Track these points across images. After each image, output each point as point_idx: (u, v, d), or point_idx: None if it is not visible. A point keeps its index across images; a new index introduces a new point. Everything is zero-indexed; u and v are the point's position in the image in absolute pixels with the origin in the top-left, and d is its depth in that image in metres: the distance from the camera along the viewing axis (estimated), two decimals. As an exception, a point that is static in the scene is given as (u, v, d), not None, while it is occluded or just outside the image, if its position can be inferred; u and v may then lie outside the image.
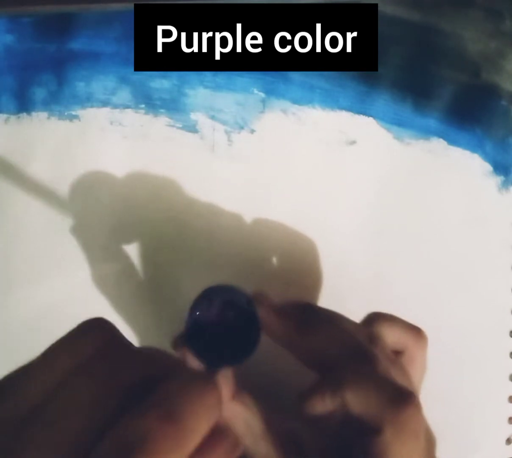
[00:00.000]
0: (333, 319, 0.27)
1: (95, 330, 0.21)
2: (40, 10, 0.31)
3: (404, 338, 0.27)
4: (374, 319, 0.27)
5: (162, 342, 0.32)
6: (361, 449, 0.24)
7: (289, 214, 0.33)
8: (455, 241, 0.33)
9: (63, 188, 0.32)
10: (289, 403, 0.29)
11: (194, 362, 0.26)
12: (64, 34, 0.32)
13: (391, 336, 0.26)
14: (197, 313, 0.27)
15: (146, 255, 0.32)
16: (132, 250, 0.32)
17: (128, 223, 0.32)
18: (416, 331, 0.27)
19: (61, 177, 0.32)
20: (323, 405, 0.24)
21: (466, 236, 0.33)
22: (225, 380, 0.26)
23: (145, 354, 0.20)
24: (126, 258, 0.32)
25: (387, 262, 0.33)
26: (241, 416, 0.26)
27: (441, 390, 0.31)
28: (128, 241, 0.32)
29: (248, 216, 0.33)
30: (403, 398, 0.23)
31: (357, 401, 0.24)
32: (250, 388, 0.27)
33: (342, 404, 0.24)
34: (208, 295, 0.27)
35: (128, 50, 0.32)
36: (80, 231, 0.32)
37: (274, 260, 0.32)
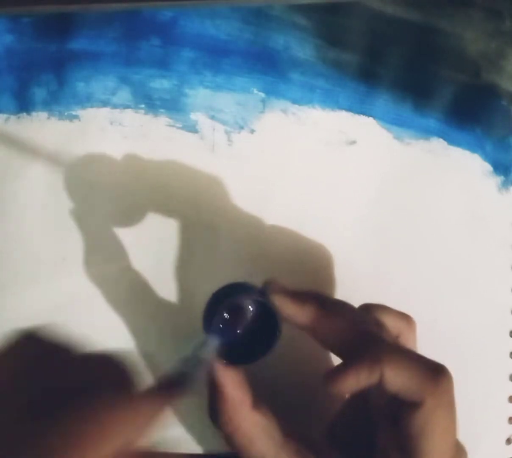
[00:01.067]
0: (345, 304, 0.27)
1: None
2: (40, 10, 0.31)
3: (398, 323, 0.28)
4: (369, 308, 0.28)
5: (163, 340, 0.32)
6: (398, 427, 0.24)
7: (289, 214, 0.33)
8: (455, 241, 0.33)
9: (63, 188, 0.32)
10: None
11: (221, 365, 0.25)
12: (64, 34, 0.32)
13: (388, 322, 0.27)
14: (213, 316, 0.26)
15: (146, 255, 0.32)
16: (133, 250, 0.32)
17: (128, 223, 0.32)
18: (407, 317, 0.28)
19: (61, 177, 0.32)
20: (357, 382, 0.24)
21: (466, 236, 0.33)
22: (243, 389, 0.26)
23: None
24: (126, 257, 0.32)
25: (387, 262, 0.33)
26: (261, 425, 0.26)
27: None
28: (129, 241, 0.32)
29: (248, 216, 0.33)
30: (438, 369, 0.24)
31: (396, 374, 0.23)
32: (267, 399, 0.27)
33: (378, 380, 0.23)
34: (220, 296, 0.26)
35: (128, 50, 0.32)
36: (80, 231, 0.32)
37: (274, 259, 0.32)
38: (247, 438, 0.26)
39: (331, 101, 0.33)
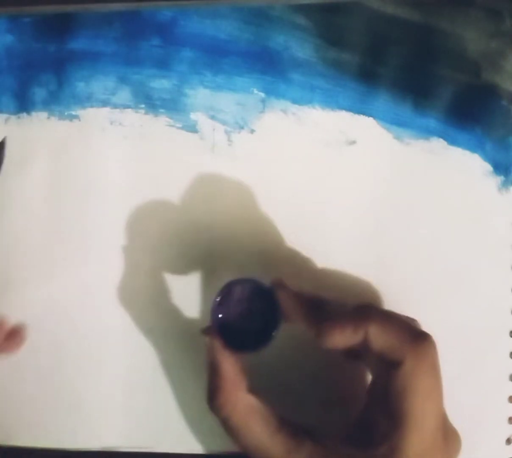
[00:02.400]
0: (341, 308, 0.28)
1: None
2: (40, 10, 0.31)
3: (400, 345, 0.25)
4: (366, 315, 0.26)
5: (167, 341, 0.32)
6: (382, 386, 0.25)
7: (289, 214, 0.33)
8: (455, 241, 0.33)
9: (63, 188, 0.32)
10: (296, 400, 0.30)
11: (222, 347, 0.27)
12: (64, 34, 0.32)
13: (381, 342, 0.26)
14: (220, 302, 0.28)
15: (147, 254, 0.32)
16: (133, 249, 0.32)
17: (127, 223, 0.32)
18: (416, 337, 0.26)
19: (61, 177, 0.32)
20: (343, 338, 0.26)
21: (466, 236, 0.33)
22: (241, 372, 0.27)
23: None
24: (126, 257, 0.32)
25: (386, 262, 0.33)
26: (257, 408, 0.27)
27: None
28: (129, 241, 0.32)
29: (248, 216, 0.33)
30: (421, 334, 0.26)
31: (379, 333, 0.25)
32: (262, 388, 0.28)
33: (364, 337, 0.25)
34: (231, 285, 0.29)
35: (128, 50, 0.32)
36: (80, 230, 0.32)
37: (274, 258, 0.32)
38: (243, 420, 0.27)
39: (331, 101, 0.33)
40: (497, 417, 0.33)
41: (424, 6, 0.32)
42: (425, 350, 0.25)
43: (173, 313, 0.32)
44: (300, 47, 0.32)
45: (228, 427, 0.27)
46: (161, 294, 0.32)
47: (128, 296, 0.32)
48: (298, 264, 0.32)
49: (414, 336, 0.25)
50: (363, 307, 0.27)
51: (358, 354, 0.28)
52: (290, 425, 0.27)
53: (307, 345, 0.30)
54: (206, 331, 0.28)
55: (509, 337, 0.33)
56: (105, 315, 0.32)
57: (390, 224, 0.33)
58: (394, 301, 0.33)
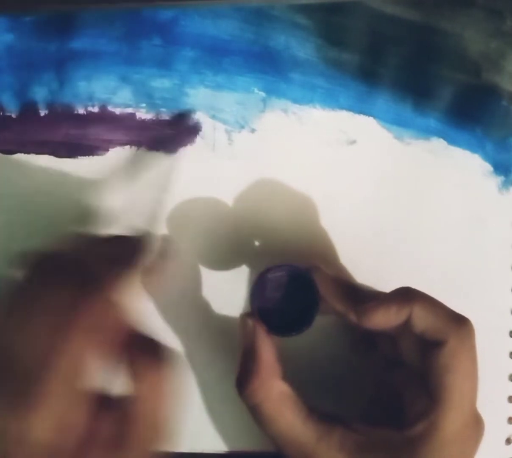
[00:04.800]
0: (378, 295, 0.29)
1: None
2: (41, 9, 0.31)
3: (445, 325, 0.26)
4: (410, 297, 0.27)
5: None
6: (424, 366, 0.26)
7: (289, 213, 0.33)
8: (455, 241, 0.33)
9: (62, 187, 0.32)
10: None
11: (264, 332, 0.28)
12: (65, 33, 0.32)
13: (430, 321, 0.26)
14: (258, 288, 0.29)
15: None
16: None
17: (129, 220, 0.32)
18: (459, 320, 0.27)
19: (61, 176, 0.32)
20: (387, 318, 0.26)
21: (466, 236, 0.33)
22: (276, 359, 0.27)
23: None
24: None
25: (386, 262, 0.33)
26: (289, 395, 0.27)
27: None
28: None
29: (249, 215, 0.33)
30: (463, 317, 0.26)
31: (424, 314, 0.26)
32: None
33: (407, 317, 0.26)
34: (268, 271, 0.29)
35: (129, 50, 0.32)
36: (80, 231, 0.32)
37: (275, 258, 0.32)
38: (276, 407, 0.26)
39: (331, 101, 0.33)
40: (497, 417, 0.33)
41: (425, 6, 0.32)
42: (467, 331, 0.26)
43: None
44: (300, 47, 0.32)
45: (259, 413, 0.27)
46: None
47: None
48: (298, 262, 0.32)
49: (457, 318, 0.26)
50: (405, 288, 0.27)
51: (374, 341, 0.30)
52: (319, 412, 0.27)
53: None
54: (248, 315, 0.28)
55: (509, 337, 0.33)
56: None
57: (390, 224, 0.33)
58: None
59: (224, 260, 0.32)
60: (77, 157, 0.32)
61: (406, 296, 0.27)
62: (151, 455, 0.22)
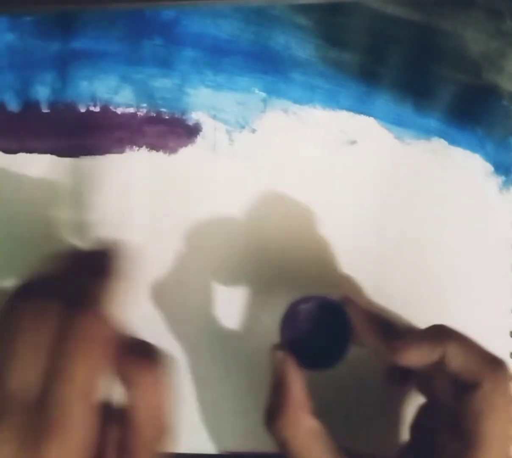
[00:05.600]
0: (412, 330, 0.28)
1: None
2: (43, 9, 0.31)
3: (480, 366, 0.26)
4: (444, 335, 0.27)
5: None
6: (457, 409, 0.25)
7: (289, 213, 0.33)
8: (456, 241, 0.33)
9: (62, 186, 0.33)
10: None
11: (295, 365, 0.27)
12: (67, 33, 0.32)
13: (463, 361, 0.26)
14: (288, 319, 0.28)
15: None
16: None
17: (131, 220, 0.33)
18: (494, 362, 0.26)
19: (60, 176, 0.33)
20: (419, 356, 0.26)
21: (466, 236, 0.33)
22: (306, 394, 0.27)
23: None
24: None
25: (387, 262, 0.33)
26: (318, 431, 0.26)
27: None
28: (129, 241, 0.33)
29: (249, 215, 0.33)
30: (498, 359, 0.26)
31: (458, 353, 0.25)
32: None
33: (441, 357, 0.25)
34: (298, 302, 0.28)
35: (130, 50, 0.32)
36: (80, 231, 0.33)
37: (275, 258, 0.33)
38: (304, 443, 0.26)
39: (331, 101, 0.33)
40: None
41: (425, 6, 0.32)
42: (502, 374, 0.25)
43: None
44: (301, 47, 0.32)
45: (287, 448, 0.26)
46: (167, 293, 0.32)
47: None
48: (299, 263, 0.32)
49: (492, 360, 0.26)
50: (439, 326, 0.27)
51: (408, 377, 0.29)
52: (346, 450, 0.27)
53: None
54: (278, 348, 0.28)
55: (509, 337, 0.33)
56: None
57: (391, 224, 0.33)
58: (394, 302, 0.33)
59: (220, 259, 0.32)
60: (78, 157, 0.32)
61: (440, 334, 0.26)
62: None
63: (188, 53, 0.32)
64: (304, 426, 0.26)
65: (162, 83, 0.32)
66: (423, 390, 0.29)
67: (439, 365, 0.26)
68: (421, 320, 0.29)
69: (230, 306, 0.32)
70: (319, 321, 0.28)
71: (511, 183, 0.33)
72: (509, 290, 0.33)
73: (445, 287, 0.33)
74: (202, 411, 0.32)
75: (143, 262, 0.32)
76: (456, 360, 0.25)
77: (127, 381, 0.21)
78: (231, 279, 0.32)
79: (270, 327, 0.31)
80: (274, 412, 0.26)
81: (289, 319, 0.28)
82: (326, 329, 0.28)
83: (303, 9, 0.32)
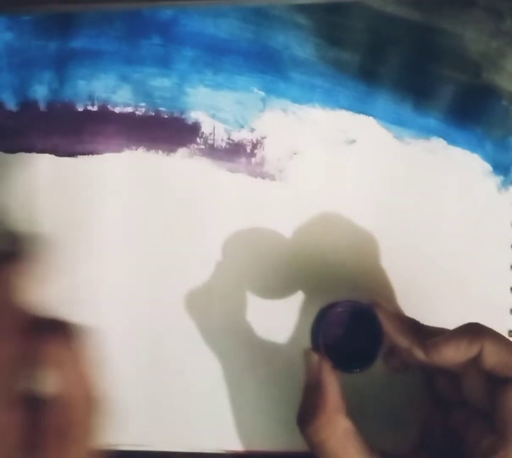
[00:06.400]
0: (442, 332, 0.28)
1: None
2: (41, 9, 0.31)
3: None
4: (481, 332, 0.27)
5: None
6: (492, 404, 0.26)
7: (289, 213, 0.33)
8: (455, 241, 0.33)
9: (62, 185, 0.32)
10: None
11: (331, 368, 0.27)
12: (65, 32, 0.32)
13: (496, 358, 0.26)
14: (321, 323, 0.28)
15: (146, 253, 0.32)
16: (135, 249, 0.32)
17: (134, 222, 0.32)
18: None
19: (61, 175, 0.32)
20: (457, 353, 0.26)
21: (465, 236, 0.33)
22: (341, 395, 0.27)
23: None
24: (127, 257, 0.32)
25: (386, 261, 0.33)
26: (353, 433, 0.26)
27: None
28: (132, 243, 0.33)
29: (249, 215, 0.33)
30: None
31: (494, 350, 0.26)
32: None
33: (477, 353, 0.26)
34: (332, 306, 0.29)
35: (129, 49, 0.32)
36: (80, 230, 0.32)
37: (274, 259, 0.32)
38: (340, 444, 0.26)
39: (331, 101, 0.33)
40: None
41: (425, 6, 0.32)
42: None
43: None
44: (300, 47, 0.32)
45: (323, 450, 0.26)
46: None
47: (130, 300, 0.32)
48: (299, 263, 0.32)
49: None
50: (474, 324, 0.27)
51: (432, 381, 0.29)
52: (379, 451, 0.27)
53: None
54: (314, 351, 0.28)
55: (508, 336, 0.33)
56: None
57: (390, 224, 0.33)
58: (394, 300, 0.33)
59: (220, 264, 0.32)
60: (76, 157, 0.32)
61: (477, 331, 0.27)
62: (99, 434, 0.21)
63: (187, 52, 0.32)
64: (340, 427, 0.26)
65: (161, 83, 0.32)
66: (448, 391, 0.29)
67: (473, 362, 0.26)
68: (421, 319, 0.29)
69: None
70: (350, 324, 0.28)
71: (510, 183, 0.33)
72: (508, 290, 0.33)
73: (444, 286, 0.33)
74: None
75: (142, 262, 0.33)
76: (493, 355, 0.26)
77: (44, 361, 0.21)
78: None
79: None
80: (309, 413, 0.26)
81: (322, 323, 0.28)
82: (357, 333, 0.28)
83: (303, 8, 0.32)
